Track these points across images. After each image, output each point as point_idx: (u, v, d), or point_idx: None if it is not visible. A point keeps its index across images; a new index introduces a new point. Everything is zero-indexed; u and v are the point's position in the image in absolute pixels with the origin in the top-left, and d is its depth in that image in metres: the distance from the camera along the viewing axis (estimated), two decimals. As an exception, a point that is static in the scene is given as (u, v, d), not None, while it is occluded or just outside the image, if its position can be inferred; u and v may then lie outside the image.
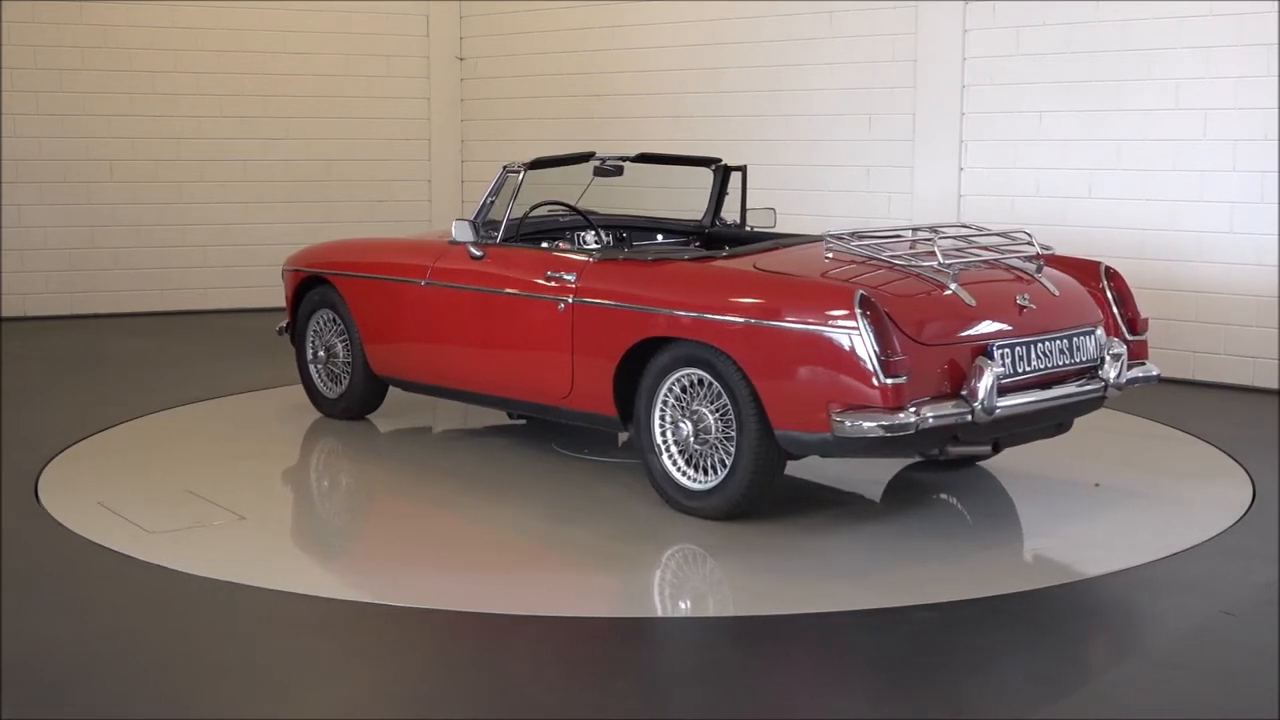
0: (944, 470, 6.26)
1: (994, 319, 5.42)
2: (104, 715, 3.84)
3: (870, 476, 6.19)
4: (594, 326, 5.94)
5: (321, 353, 7.46)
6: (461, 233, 6.47)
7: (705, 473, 5.55)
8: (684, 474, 5.61)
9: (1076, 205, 8.88)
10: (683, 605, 4.86)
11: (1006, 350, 5.34)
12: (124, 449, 6.83)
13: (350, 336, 7.23)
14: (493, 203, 6.65)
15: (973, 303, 5.37)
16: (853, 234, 5.79)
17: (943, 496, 6.03)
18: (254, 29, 11.66)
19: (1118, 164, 8.70)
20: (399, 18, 12.12)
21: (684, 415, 5.58)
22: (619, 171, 7.08)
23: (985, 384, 5.13)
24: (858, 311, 5.04)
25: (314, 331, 7.48)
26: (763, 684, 4.06)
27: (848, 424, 5.00)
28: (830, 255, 5.61)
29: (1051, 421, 5.76)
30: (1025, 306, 5.50)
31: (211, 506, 5.80)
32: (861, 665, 4.20)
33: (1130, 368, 5.81)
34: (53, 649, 4.28)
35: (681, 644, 4.43)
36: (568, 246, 6.59)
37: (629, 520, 5.62)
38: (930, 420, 5.03)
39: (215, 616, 4.64)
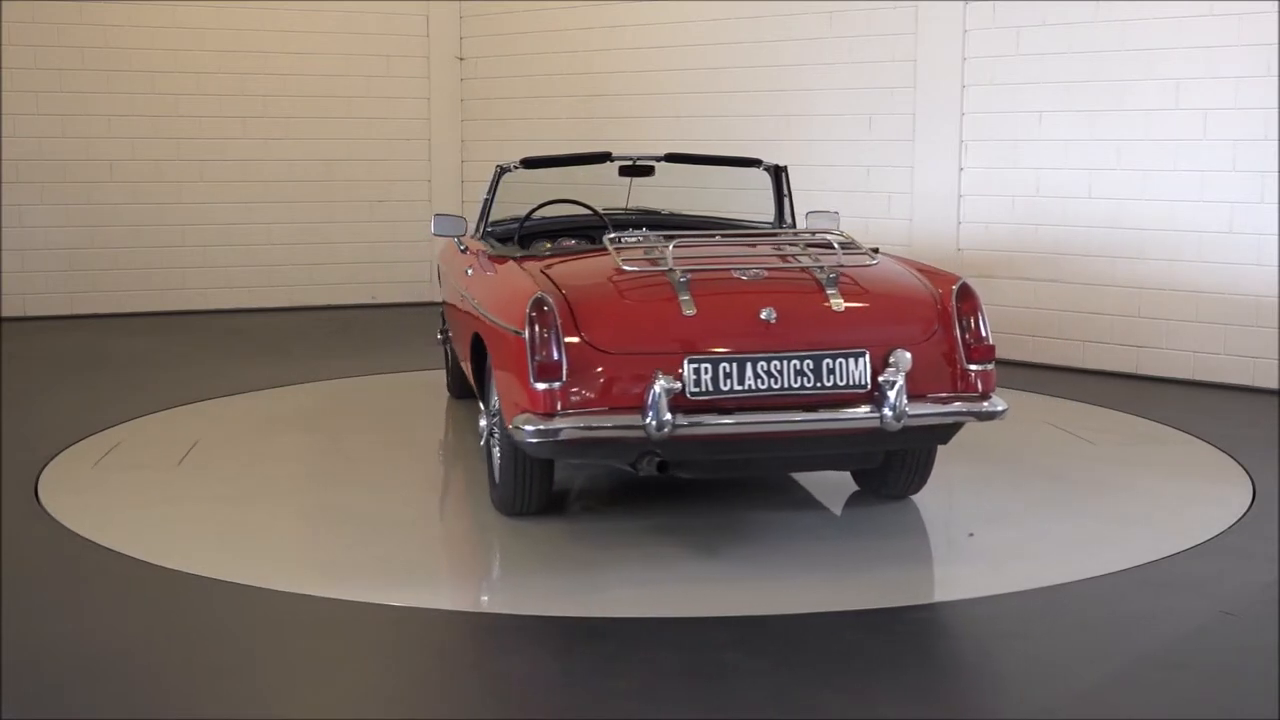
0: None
1: (713, 332, 4.97)
2: (104, 715, 3.85)
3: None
4: (466, 320, 6.24)
5: (438, 335, 8.03)
6: (437, 227, 6.78)
7: None
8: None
9: (1076, 205, 8.88)
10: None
11: (706, 365, 4.90)
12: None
13: None
14: (488, 200, 6.89)
15: (692, 313, 4.98)
16: (643, 235, 5.67)
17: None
18: (254, 29, 11.65)
19: (1118, 164, 8.70)
20: (399, 18, 12.11)
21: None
22: (650, 171, 7.08)
23: (651, 398, 4.76)
24: (527, 314, 4.94)
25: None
26: (761, 684, 4.06)
27: (511, 427, 4.96)
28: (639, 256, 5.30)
29: (794, 452, 5.20)
30: (767, 321, 4.98)
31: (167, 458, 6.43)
32: (860, 665, 4.19)
33: (949, 400, 5.10)
34: (53, 649, 4.29)
35: (679, 644, 4.42)
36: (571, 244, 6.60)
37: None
38: (574, 430, 4.80)
39: (215, 616, 4.64)
